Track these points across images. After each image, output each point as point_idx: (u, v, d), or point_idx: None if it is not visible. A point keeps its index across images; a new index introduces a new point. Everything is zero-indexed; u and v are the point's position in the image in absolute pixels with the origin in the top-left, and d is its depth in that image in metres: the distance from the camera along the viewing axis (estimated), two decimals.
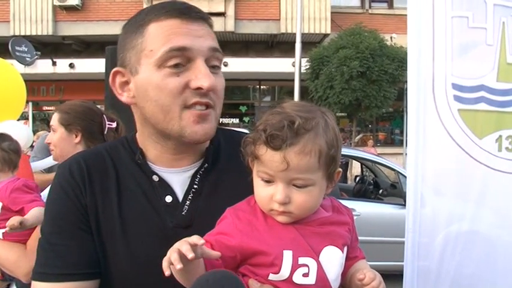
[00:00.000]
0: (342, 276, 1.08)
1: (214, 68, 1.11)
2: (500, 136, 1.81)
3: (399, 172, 6.74)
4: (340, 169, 1.10)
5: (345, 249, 1.08)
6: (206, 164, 1.17)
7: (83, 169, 1.14)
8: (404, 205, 1.81)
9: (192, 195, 1.14)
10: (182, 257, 0.86)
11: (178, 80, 1.06)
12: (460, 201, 1.80)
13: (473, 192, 1.80)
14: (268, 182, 1.02)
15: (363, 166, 9.54)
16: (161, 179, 1.14)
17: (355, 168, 12.75)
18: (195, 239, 0.88)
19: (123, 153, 1.19)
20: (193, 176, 1.15)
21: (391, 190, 7.51)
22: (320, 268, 1.01)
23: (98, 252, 1.09)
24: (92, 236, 1.09)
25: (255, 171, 1.04)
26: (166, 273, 0.87)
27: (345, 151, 9.21)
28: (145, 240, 1.08)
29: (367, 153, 8.67)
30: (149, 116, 1.12)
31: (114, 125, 2.37)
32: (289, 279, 0.99)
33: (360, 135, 16.84)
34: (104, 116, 2.37)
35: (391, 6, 17.78)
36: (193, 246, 0.87)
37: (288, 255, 0.99)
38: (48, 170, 3.34)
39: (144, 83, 1.09)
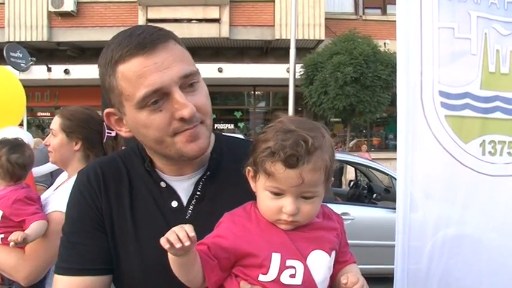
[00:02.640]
0: (331, 280, 1.15)
1: (192, 86, 1.14)
2: (484, 141, 1.88)
3: (393, 177, 6.79)
4: (332, 179, 1.18)
5: (333, 253, 1.15)
6: (208, 172, 1.25)
7: (99, 176, 1.25)
8: None
9: (195, 200, 1.23)
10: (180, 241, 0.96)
11: (163, 115, 1.11)
12: (448, 204, 1.85)
13: (461, 195, 1.86)
14: (277, 194, 1.09)
15: (357, 171, 9.60)
16: (168, 186, 1.24)
17: (350, 173, 12.79)
18: (189, 228, 0.97)
19: (135, 160, 1.28)
20: (197, 183, 1.24)
21: (384, 194, 7.57)
22: (307, 270, 1.08)
23: (111, 251, 1.21)
24: (107, 236, 1.21)
25: (263, 186, 1.10)
26: (167, 246, 0.95)
27: (339, 156, 9.25)
28: (153, 243, 1.12)
29: (361, 158, 8.72)
30: (148, 147, 1.22)
31: (113, 133, 2.38)
32: (277, 280, 1.07)
33: (354, 141, 16.91)
34: (104, 123, 2.40)
35: (384, 12, 17.91)
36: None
37: (276, 258, 1.07)
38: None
39: (133, 123, 1.16)
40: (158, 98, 1.10)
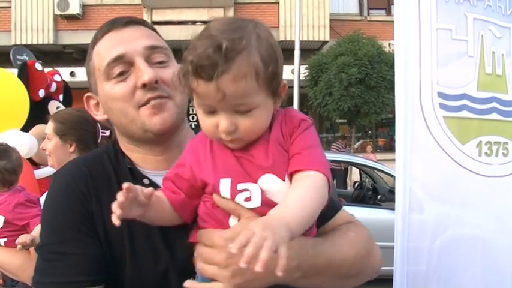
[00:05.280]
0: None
1: (161, 63, 1.16)
2: (480, 142, 1.89)
3: None
4: (286, 81, 1.05)
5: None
6: None
7: (86, 175, 1.14)
8: None
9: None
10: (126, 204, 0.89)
11: (126, 84, 1.13)
12: (446, 205, 1.85)
13: (458, 196, 1.86)
14: (210, 112, 0.97)
15: (362, 172, 9.58)
16: (151, 182, 1.17)
17: (354, 174, 12.78)
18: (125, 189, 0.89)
19: (117, 159, 1.22)
20: None
21: (389, 196, 7.54)
22: (262, 192, 0.98)
23: (106, 257, 1.08)
24: (99, 242, 1.08)
25: (196, 103, 1.00)
26: (117, 222, 0.87)
27: (344, 157, 9.27)
28: (148, 245, 1.10)
29: (365, 159, 8.72)
30: (117, 125, 1.21)
31: (107, 133, 2.40)
32: None
33: (360, 142, 16.87)
34: (98, 124, 2.40)
35: (389, 13, 17.84)
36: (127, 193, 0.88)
37: (225, 183, 0.99)
38: None
39: (103, 98, 1.19)
40: (124, 69, 1.13)
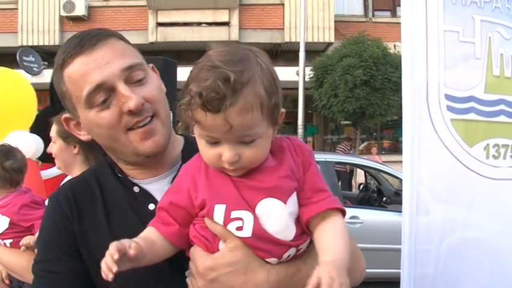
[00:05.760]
0: (309, 227, 1.02)
1: (140, 82, 1.14)
2: (488, 144, 1.87)
3: (403, 180, 6.75)
4: (284, 109, 1.05)
5: (292, 197, 1.01)
6: None
7: (70, 198, 1.19)
8: None
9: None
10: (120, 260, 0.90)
11: (111, 112, 1.11)
12: (453, 207, 1.84)
13: (466, 198, 1.85)
14: (213, 143, 0.98)
15: (367, 174, 9.57)
16: (142, 189, 1.19)
17: (360, 176, 12.75)
18: (112, 249, 0.90)
19: (105, 172, 1.24)
20: (172, 181, 1.17)
21: (394, 198, 7.53)
22: (256, 221, 0.98)
23: (88, 275, 1.12)
24: (82, 261, 1.14)
25: (197, 134, 1.00)
26: (110, 277, 0.89)
27: (349, 159, 9.26)
28: None
29: (371, 161, 8.70)
30: (105, 147, 1.21)
31: None
32: None
33: (365, 143, 16.83)
34: None
35: (394, 14, 17.81)
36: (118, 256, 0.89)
37: (219, 210, 0.99)
38: None
39: (87, 124, 1.17)
40: (105, 96, 1.10)
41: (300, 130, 10.88)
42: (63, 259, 1.14)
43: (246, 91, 0.92)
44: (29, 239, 1.99)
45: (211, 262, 1.01)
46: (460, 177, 1.84)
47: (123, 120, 1.11)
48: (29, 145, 3.11)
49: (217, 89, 0.89)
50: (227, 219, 0.99)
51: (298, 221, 1.02)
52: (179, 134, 1.34)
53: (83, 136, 1.23)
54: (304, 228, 1.03)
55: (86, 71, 1.09)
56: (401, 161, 1.83)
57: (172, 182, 1.15)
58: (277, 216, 1.00)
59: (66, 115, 1.24)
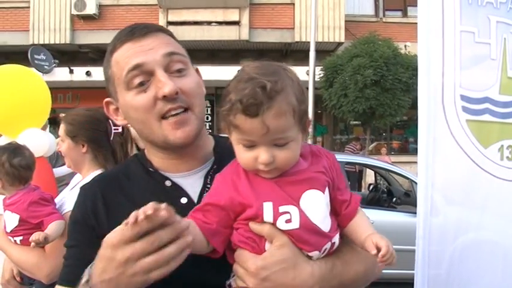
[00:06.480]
0: (340, 226, 1.16)
1: (179, 72, 1.20)
2: (502, 146, 1.87)
3: (413, 180, 6.72)
4: (310, 118, 1.19)
5: (327, 190, 1.13)
6: (215, 166, 1.25)
7: (97, 193, 1.25)
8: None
9: (206, 193, 1.20)
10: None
11: (147, 95, 1.16)
12: (468, 209, 1.84)
13: (480, 200, 1.84)
14: (250, 147, 1.07)
15: (377, 174, 9.53)
16: (174, 183, 1.23)
17: (369, 176, 12.70)
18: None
19: (134, 169, 1.29)
20: (205, 177, 1.25)
21: (404, 198, 7.50)
22: (302, 213, 1.08)
23: None
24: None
25: (235, 139, 1.09)
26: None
27: (359, 159, 9.23)
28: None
29: (381, 161, 8.66)
30: (139, 133, 1.26)
31: (120, 129, 2.41)
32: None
33: (374, 144, 16.78)
34: (110, 121, 2.40)
35: (405, 14, 17.74)
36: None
37: (268, 206, 1.07)
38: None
39: (124, 107, 1.23)
40: (143, 79, 1.16)
41: (310, 130, 10.83)
42: (83, 248, 1.19)
43: (280, 98, 1.03)
44: (38, 235, 1.99)
45: (263, 262, 1.07)
46: (475, 178, 1.83)
47: (157, 106, 1.16)
48: (42, 143, 3.13)
49: (255, 96, 1.01)
50: (276, 214, 1.07)
51: (330, 214, 1.14)
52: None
53: (120, 121, 1.29)
54: (336, 222, 1.16)
55: (130, 54, 1.17)
56: (410, 162, 1.83)
57: (205, 176, 1.24)
58: (318, 206, 1.10)
59: (107, 99, 1.30)
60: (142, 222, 0.91)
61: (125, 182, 1.26)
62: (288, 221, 1.07)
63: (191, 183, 1.23)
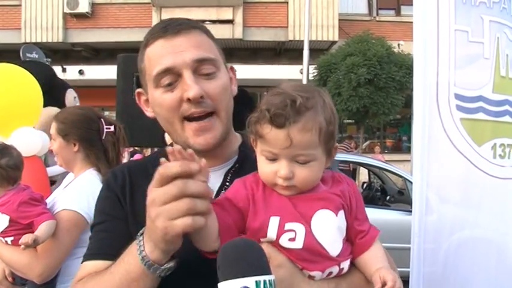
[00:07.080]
0: (353, 255, 1.14)
1: (208, 75, 1.21)
2: (495, 144, 1.88)
3: (406, 179, 6.75)
4: (338, 144, 1.17)
5: (341, 213, 1.12)
6: (237, 164, 1.28)
7: (125, 175, 1.31)
8: (412, 211, 1.85)
9: (224, 191, 1.22)
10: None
11: (173, 95, 1.19)
12: (462, 206, 1.84)
13: (474, 197, 1.85)
14: (272, 160, 1.08)
15: (371, 173, 9.56)
16: None
17: (363, 174, 12.75)
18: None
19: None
20: (226, 174, 1.27)
21: (398, 197, 7.53)
22: (309, 233, 1.06)
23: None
24: (126, 225, 1.22)
25: (259, 150, 1.10)
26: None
27: (352, 158, 9.25)
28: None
29: (374, 159, 8.69)
30: (164, 129, 1.29)
31: (112, 128, 2.41)
32: (275, 244, 1.07)
33: (368, 142, 16.84)
34: (102, 120, 2.40)
35: (398, 13, 17.82)
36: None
37: (274, 221, 1.06)
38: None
39: (152, 102, 1.27)
40: (172, 79, 1.19)
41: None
42: (113, 221, 1.25)
43: (309, 114, 1.04)
44: (27, 238, 1.97)
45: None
46: (469, 176, 1.84)
47: (182, 107, 1.19)
48: (35, 142, 3.11)
49: (284, 108, 1.03)
50: (281, 231, 1.06)
51: (343, 239, 1.12)
52: None
53: (149, 113, 1.32)
54: (349, 249, 1.15)
55: (161, 53, 1.20)
56: (403, 160, 1.85)
57: (225, 174, 1.27)
58: (329, 227, 1.09)
59: (139, 90, 1.34)
60: (176, 156, 0.95)
61: (151, 169, 1.23)
62: (292, 239, 1.06)
63: (213, 179, 1.19)
